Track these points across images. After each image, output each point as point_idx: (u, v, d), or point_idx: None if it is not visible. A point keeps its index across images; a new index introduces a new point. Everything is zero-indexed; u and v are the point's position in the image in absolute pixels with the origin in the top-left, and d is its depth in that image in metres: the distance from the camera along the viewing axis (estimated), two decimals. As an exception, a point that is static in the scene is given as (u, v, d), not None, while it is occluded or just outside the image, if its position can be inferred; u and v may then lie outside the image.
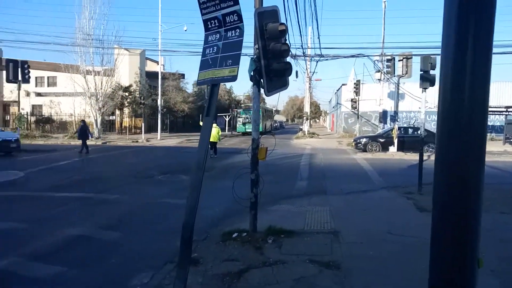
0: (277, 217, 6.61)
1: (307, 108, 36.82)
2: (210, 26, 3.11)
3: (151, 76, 34.70)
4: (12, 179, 10.51)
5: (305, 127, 35.36)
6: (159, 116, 29.19)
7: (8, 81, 20.48)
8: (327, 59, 24.41)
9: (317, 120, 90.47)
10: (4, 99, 34.08)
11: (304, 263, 4.51)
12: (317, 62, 27.27)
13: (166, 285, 3.99)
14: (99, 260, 4.93)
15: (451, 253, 1.59)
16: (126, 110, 33.27)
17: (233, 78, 2.86)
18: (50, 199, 8.30)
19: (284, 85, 4.81)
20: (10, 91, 30.62)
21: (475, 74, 1.49)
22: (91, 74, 26.75)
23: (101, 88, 27.16)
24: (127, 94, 30.78)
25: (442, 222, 1.62)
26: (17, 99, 21.53)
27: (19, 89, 20.97)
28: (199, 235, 5.72)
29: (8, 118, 34.55)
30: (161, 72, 30.42)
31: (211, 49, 3.10)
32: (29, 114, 32.73)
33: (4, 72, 21.71)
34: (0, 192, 8.91)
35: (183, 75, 40.77)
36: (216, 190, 9.06)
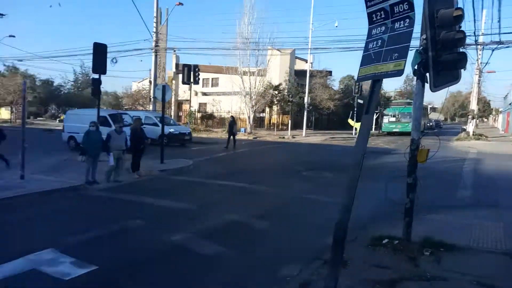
0: (434, 228, 5.90)
1: (473, 105, 31.68)
2: (375, 19, 2.95)
3: (300, 74, 35.78)
4: (184, 166, 12.44)
5: (470, 127, 30.52)
6: (305, 113, 29.92)
7: (183, 83, 24.28)
8: (508, 47, 20.11)
9: (485, 120, 77.10)
10: (179, 98, 40.73)
11: (470, 285, 3.90)
12: (492, 50, 22.70)
13: (315, 281, 4.03)
14: (252, 245, 5.36)
15: None
16: (275, 108, 35.26)
17: (399, 73, 2.64)
18: (212, 185, 9.49)
19: (455, 79, 4.19)
20: (183, 91, 36.58)
21: None
22: (247, 75, 29.34)
23: (254, 87, 29.52)
24: (276, 92, 32.58)
25: None
26: (188, 98, 25.38)
27: (190, 89, 24.69)
28: (347, 235, 5.60)
29: (181, 114, 41.11)
30: (309, 70, 31.05)
31: (375, 43, 2.94)
32: (196, 111, 38.21)
33: (180, 75, 25.87)
34: (177, 177, 10.66)
35: (330, 72, 40.64)
36: (365, 190, 8.63)
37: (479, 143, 24.93)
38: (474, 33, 18.51)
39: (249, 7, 29.06)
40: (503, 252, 4.91)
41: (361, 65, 3.05)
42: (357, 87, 30.33)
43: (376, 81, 2.86)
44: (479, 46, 24.06)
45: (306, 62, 33.55)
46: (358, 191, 7.19)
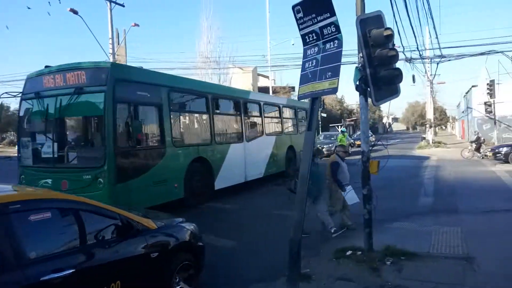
0: (397, 237, 6.04)
1: (430, 115, 33.35)
2: (308, 40, 3.09)
3: (263, 91, 36.21)
4: None
5: (429, 135, 31.98)
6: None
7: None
8: (449, 60, 21.85)
9: (444, 127, 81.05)
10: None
11: (429, 291, 3.98)
12: (437, 63, 24.64)
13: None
14: (218, 262, 5.20)
15: None
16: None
17: (334, 91, 2.76)
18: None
19: (394, 93, 4.42)
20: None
21: None
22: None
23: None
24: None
25: None
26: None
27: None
28: (310, 249, 5.61)
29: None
30: (272, 87, 31.59)
31: (310, 62, 3.07)
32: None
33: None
34: None
35: (293, 88, 41.51)
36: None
37: (439, 150, 26.11)
38: (417, 47, 19.96)
39: (206, 27, 29.45)
40: (461, 257, 5.06)
41: (300, 84, 3.17)
42: (320, 101, 31.18)
43: (315, 99, 2.96)
44: (425, 60, 25.77)
45: (269, 79, 34.18)
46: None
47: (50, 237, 2.81)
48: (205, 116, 9.96)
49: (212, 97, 9.89)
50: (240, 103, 11.35)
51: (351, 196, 6.39)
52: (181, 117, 9.29)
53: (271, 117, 13.75)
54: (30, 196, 2.94)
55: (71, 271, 2.64)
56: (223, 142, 10.45)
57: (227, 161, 10.23)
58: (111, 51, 20.64)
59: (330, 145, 22.24)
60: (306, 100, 3.30)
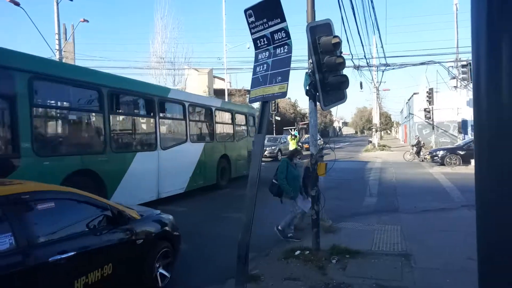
0: (343, 236, 6.32)
1: (376, 120, 35.27)
2: (259, 45, 3.14)
3: (219, 93, 36.23)
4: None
5: (375, 139, 33.80)
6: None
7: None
8: (393, 68, 23.36)
9: (389, 132, 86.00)
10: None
11: (370, 288, 4.20)
12: (383, 72, 26.29)
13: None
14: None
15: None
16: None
17: (283, 95, 2.83)
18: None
19: (341, 98, 4.63)
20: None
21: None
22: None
23: (173, 108, 29.02)
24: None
25: (489, 257, 1.38)
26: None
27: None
28: (261, 250, 5.69)
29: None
30: (228, 89, 31.62)
31: (261, 67, 3.12)
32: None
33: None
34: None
35: (248, 91, 41.74)
36: (279, 205, 8.97)
37: (384, 153, 27.69)
38: (365, 56, 21.12)
39: (161, 27, 28.84)
40: (400, 253, 5.39)
41: (251, 87, 3.21)
42: (273, 105, 31.72)
43: (265, 102, 3.02)
44: (372, 68, 27.34)
45: (224, 81, 34.20)
46: (273, 206, 7.38)
47: (54, 224, 3.17)
48: (96, 116, 7.76)
49: (109, 92, 7.69)
50: (155, 102, 9.17)
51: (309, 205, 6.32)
52: (52, 114, 7.19)
53: (200, 121, 11.95)
54: (37, 188, 3.28)
55: (72, 253, 3.06)
56: (124, 150, 8.47)
57: (130, 174, 8.12)
58: (57, 47, 19.39)
59: (273, 147, 23.35)
60: (257, 105, 3.32)
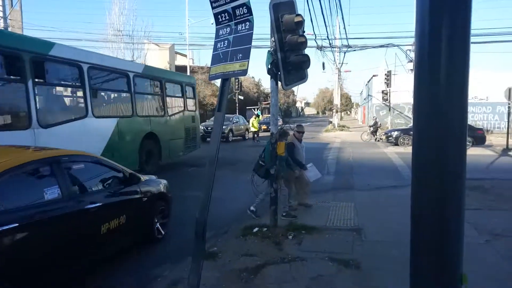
0: (300, 213, 6.54)
1: (336, 101, 36.14)
2: (220, 20, 3.05)
3: (181, 70, 35.16)
4: None
5: (335, 119, 34.73)
6: (188, 109, 29.63)
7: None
8: (355, 50, 23.91)
9: (349, 113, 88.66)
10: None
11: (323, 261, 4.42)
12: (344, 53, 26.78)
13: (184, 278, 4.03)
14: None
15: (431, 266, 1.48)
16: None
17: (243, 73, 2.80)
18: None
19: (302, 78, 4.68)
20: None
21: (452, 62, 1.37)
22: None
23: (132, 83, 27.87)
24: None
25: (419, 229, 1.51)
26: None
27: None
28: (220, 228, 5.76)
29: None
30: (190, 66, 30.81)
31: (222, 43, 3.05)
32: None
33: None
34: None
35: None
36: (242, 183, 9.05)
37: (343, 134, 28.59)
38: (327, 36, 21.36)
39: (119, -4, 27.20)
40: (351, 228, 5.69)
41: (211, 64, 3.14)
42: (237, 83, 31.41)
43: (225, 80, 2.98)
44: (335, 49, 27.74)
45: (187, 58, 33.27)
46: (234, 184, 7.42)
47: (85, 181, 3.99)
48: None
49: None
50: (26, 61, 6.40)
51: (313, 173, 6.83)
52: None
53: (110, 90, 9.61)
54: (70, 152, 4.04)
55: (99, 204, 3.93)
56: None
57: None
58: (1, 14, 17.69)
59: (224, 127, 23.24)
60: (211, 79, 3.24)
